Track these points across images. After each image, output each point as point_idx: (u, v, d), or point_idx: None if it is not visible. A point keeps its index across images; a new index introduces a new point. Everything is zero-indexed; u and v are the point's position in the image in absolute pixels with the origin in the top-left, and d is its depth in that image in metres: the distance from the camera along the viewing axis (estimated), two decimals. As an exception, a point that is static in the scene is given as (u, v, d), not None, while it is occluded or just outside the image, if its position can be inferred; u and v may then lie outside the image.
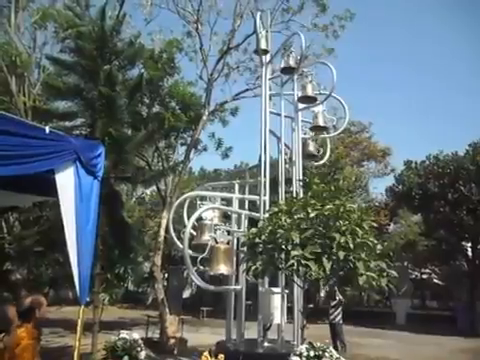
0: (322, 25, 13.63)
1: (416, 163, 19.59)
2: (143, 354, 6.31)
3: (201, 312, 19.86)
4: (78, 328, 3.97)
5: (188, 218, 8.43)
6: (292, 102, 9.14)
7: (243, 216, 8.57)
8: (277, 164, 8.65)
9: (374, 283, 5.14)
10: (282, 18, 13.34)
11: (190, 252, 7.90)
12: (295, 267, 5.20)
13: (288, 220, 5.61)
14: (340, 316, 10.82)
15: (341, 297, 10.91)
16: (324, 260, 5.06)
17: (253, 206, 9.33)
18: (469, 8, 47.17)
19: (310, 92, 8.76)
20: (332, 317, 10.85)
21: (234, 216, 8.91)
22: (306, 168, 11.24)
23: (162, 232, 11.72)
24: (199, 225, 8.41)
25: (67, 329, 11.88)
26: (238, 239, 8.31)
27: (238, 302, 8.31)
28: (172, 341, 10.59)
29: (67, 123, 8.77)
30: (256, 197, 8.64)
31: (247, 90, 13.69)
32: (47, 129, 3.73)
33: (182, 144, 15.08)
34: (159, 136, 12.32)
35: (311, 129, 9.45)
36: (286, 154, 8.92)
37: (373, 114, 51.22)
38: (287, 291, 7.65)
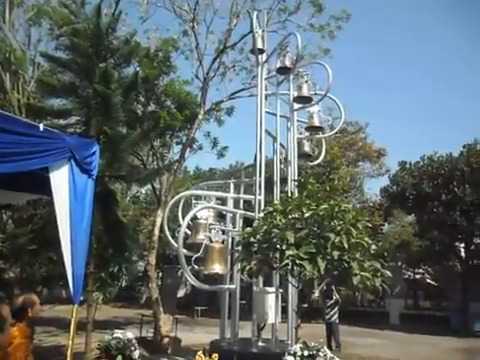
0: (318, 25, 13.64)
1: (411, 164, 19.68)
2: (137, 353, 6.29)
3: (195, 311, 19.85)
4: (71, 327, 3.95)
5: (183, 217, 8.43)
6: (288, 102, 9.14)
7: (238, 215, 8.57)
8: (272, 164, 8.65)
9: (368, 283, 5.15)
10: (278, 18, 13.35)
11: (185, 251, 7.89)
12: (289, 267, 5.21)
13: (283, 220, 5.62)
14: (336, 315, 10.88)
15: (338, 296, 10.95)
16: (319, 260, 5.06)
17: (248, 205, 9.35)
18: (466, 8, 47.47)
19: (306, 92, 8.76)
20: (328, 317, 10.91)
21: (229, 215, 8.90)
22: (301, 168, 11.27)
23: (157, 231, 11.70)
24: (194, 224, 8.40)
25: (60, 328, 11.84)
26: (233, 238, 8.31)
27: (232, 301, 8.31)
28: (166, 340, 10.57)
29: (62, 121, 8.71)
30: (251, 197, 8.64)
31: (243, 90, 13.69)
32: (41, 127, 3.70)
33: (177, 143, 15.06)
34: (154, 135, 12.27)
35: (306, 129, 9.46)
36: (281, 154, 8.93)
37: (369, 114, 51.53)
38: (281, 291, 7.66)
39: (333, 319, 10.89)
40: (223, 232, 8.16)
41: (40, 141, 3.68)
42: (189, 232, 8.51)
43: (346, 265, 5.18)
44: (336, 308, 10.97)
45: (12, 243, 9.81)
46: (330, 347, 10.48)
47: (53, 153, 3.78)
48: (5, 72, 12.00)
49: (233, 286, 8.20)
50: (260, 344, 7.53)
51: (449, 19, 52.01)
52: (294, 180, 8.28)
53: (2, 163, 3.33)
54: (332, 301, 10.98)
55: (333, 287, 10.98)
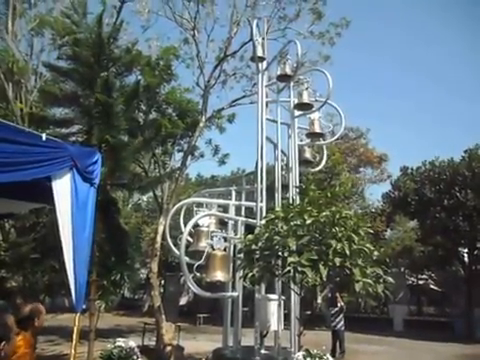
0: (318, 33, 13.75)
1: (412, 169, 19.67)
2: (139, 362, 6.27)
3: (198, 319, 19.76)
4: (74, 336, 3.95)
5: (185, 225, 8.43)
6: (288, 109, 9.18)
7: (240, 223, 8.57)
8: (274, 171, 8.66)
9: (370, 289, 5.14)
10: (278, 26, 13.46)
11: (187, 259, 7.88)
12: (292, 274, 5.20)
13: (285, 227, 5.61)
14: (342, 323, 10.93)
15: (342, 304, 10.98)
16: (320, 267, 5.05)
17: (250, 213, 9.34)
18: (468, 11, 47.64)
19: (306, 99, 8.79)
20: (334, 324, 10.95)
21: (231, 223, 8.90)
22: (302, 174, 11.27)
23: (159, 239, 11.69)
24: (196, 232, 8.40)
25: (63, 337, 11.80)
26: (235, 246, 8.30)
27: (235, 309, 8.28)
28: (168, 349, 10.50)
29: (64, 130, 8.78)
30: (253, 204, 8.64)
31: (244, 97, 13.77)
32: (44, 136, 3.74)
33: (179, 151, 15.15)
34: (156, 143, 12.35)
35: (307, 136, 9.48)
36: (282, 161, 8.95)
37: (369, 120, 51.58)
38: (284, 298, 7.64)
39: (338, 326, 10.93)
40: (225, 239, 8.15)
41: (42, 150, 3.71)
42: (191, 239, 8.51)
43: (348, 272, 5.17)
44: (341, 315, 11.02)
45: (15, 252, 9.82)
46: (334, 354, 10.49)
47: (55, 162, 3.81)
48: (8, 82, 12.11)
49: (235, 293, 8.18)
50: (263, 352, 7.48)
51: (450, 23, 52.29)
52: (295, 187, 8.28)
53: (5, 172, 3.36)
54: (337, 308, 11.01)
55: (337, 295, 11.03)
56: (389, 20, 52.77)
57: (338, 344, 10.99)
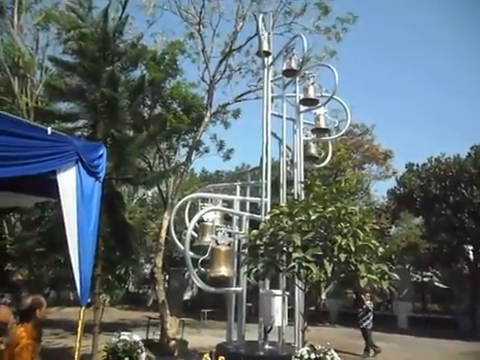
0: (324, 28, 13.64)
1: (418, 166, 19.57)
2: (143, 356, 6.28)
3: (202, 314, 19.83)
4: (79, 329, 3.96)
5: (189, 220, 8.44)
6: (294, 104, 9.14)
7: (244, 218, 8.56)
8: (278, 166, 8.64)
9: (375, 286, 5.13)
10: (284, 20, 13.37)
11: (191, 254, 7.89)
12: (296, 269, 5.19)
13: (289, 222, 5.60)
14: (368, 322, 11.65)
15: (368, 304, 11.52)
16: (325, 262, 5.04)
17: (254, 208, 9.33)
18: (472, 11, 47.19)
19: (312, 94, 8.75)
20: (360, 322, 11.73)
21: (235, 218, 8.90)
22: (307, 170, 11.24)
23: (163, 233, 11.72)
24: (200, 227, 8.41)
25: (68, 330, 11.88)
26: (239, 241, 8.31)
27: (239, 304, 8.30)
28: (172, 343, 10.57)
29: (69, 124, 8.79)
30: (257, 199, 8.63)
31: (249, 92, 13.72)
32: (49, 130, 3.73)
33: (184, 146, 15.14)
34: (161, 137, 12.34)
35: (313, 131, 9.44)
36: (288, 156, 8.92)
37: (375, 116, 51.33)
38: (288, 293, 7.64)
39: (364, 325, 11.62)
40: (229, 234, 8.16)
41: (48, 144, 3.70)
42: (196, 234, 8.52)
43: (353, 268, 5.15)
44: (368, 314, 11.69)
45: (20, 246, 9.87)
46: (368, 353, 11.31)
47: (61, 156, 3.81)
48: (14, 76, 12.15)
49: (239, 289, 8.18)
50: (267, 347, 7.50)
51: (455, 21, 51.79)
52: (300, 182, 8.26)
53: (10, 166, 3.36)
54: (364, 307, 11.57)
55: (363, 295, 11.52)
56: (396, 17, 52.41)
57: (366, 342, 11.51)
